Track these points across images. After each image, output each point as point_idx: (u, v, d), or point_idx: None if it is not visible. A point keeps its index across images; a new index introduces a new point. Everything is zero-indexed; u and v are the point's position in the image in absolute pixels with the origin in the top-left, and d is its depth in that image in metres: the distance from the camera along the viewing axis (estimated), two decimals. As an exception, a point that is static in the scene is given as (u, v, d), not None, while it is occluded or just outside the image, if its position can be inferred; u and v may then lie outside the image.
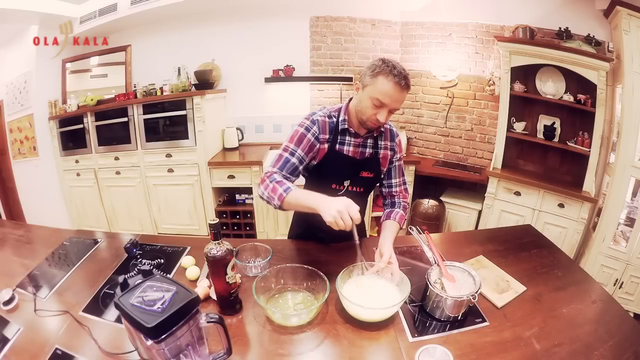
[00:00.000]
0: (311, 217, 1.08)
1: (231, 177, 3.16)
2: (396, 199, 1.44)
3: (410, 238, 1.41)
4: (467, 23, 3.04)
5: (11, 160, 3.56)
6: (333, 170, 1.30)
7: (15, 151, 3.52)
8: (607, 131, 2.57)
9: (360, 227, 1.59)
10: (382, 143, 1.35)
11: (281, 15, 3.28)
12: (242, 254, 1.26)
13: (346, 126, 1.26)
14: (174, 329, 0.71)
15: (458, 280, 1.07)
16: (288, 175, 1.20)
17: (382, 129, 1.33)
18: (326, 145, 1.27)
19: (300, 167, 1.23)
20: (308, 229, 1.45)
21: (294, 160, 1.21)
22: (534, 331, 0.98)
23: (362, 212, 1.16)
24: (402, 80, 1.13)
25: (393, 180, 1.42)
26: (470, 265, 1.15)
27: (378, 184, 1.45)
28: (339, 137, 1.28)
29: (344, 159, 1.29)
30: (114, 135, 3.24)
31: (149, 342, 0.70)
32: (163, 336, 0.69)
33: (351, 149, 1.30)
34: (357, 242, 1.07)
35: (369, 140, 1.33)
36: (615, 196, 2.43)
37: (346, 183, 1.32)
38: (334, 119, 1.28)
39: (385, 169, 1.39)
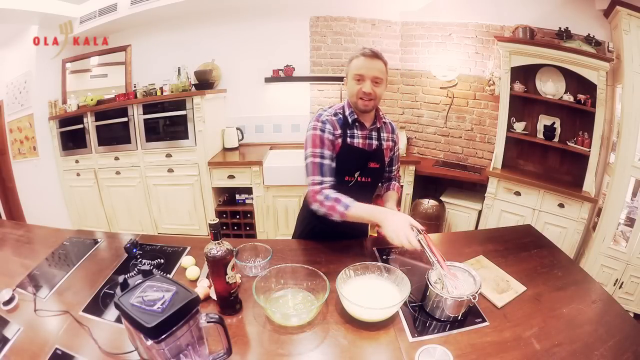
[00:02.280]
0: (318, 216, 1.21)
1: (231, 177, 3.16)
2: (391, 178, 1.63)
3: (410, 238, 1.41)
4: (467, 23, 3.04)
5: (11, 160, 3.56)
6: (346, 163, 1.36)
7: (15, 151, 3.52)
8: (607, 131, 2.57)
9: (361, 226, 1.61)
10: (385, 135, 1.46)
11: (281, 16, 3.28)
12: (242, 254, 1.26)
13: (356, 116, 1.35)
14: (174, 329, 0.71)
15: (459, 280, 1.07)
16: (331, 180, 1.29)
17: (385, 121, 1.45)
18: (340, 140, 1.35)
19: (334, 166, 1.32)
20: (314, 228, 1.49)
21: (327, 162, 1.30)
22: (534, 331, 0.98)
23: (369, 199, 1.34)
24: (368, 50, 1.26)
25: (393, 167, 1.60)
26: (470, 265, 1.15)
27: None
28: (348, 131, 1.36)
29: (355, 151, 1.37)
30: (114, 135, 3.24)
31: (149, 342, 0.70)
32: (163, 336, 0.69)
33: (360, 141, 1.38)
34: (432, 260, 1.11)
35: (373, 133, 1.42)
36: (615, 196, 2.43)
37: (357, 174, 1.39)
38: (340, 116, 1.36)
39: (387, 160, 1.50)
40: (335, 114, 1.36)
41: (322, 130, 1.30)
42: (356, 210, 1.21)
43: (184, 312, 0.73)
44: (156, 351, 0.71)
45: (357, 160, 1.39)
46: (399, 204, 1.56)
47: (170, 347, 0.72)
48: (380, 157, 1.44)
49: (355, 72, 1.28)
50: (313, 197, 1.27)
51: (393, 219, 1.12)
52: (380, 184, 1.61)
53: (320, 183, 1.28)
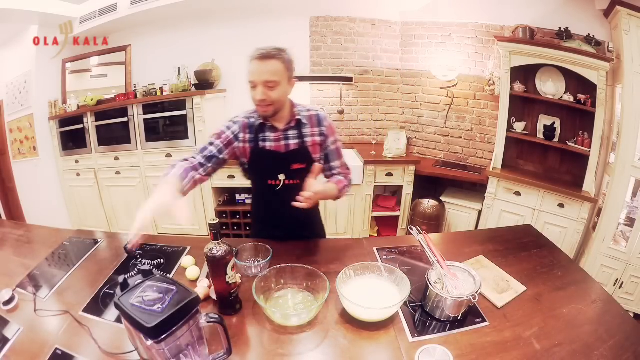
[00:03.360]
0: (267, 217, 1.26)
1: (231, 177, 3.16)
2: (340, 175, 1.45)
3: (410, 238, 1.41)
4: (467, 23, 3.04)
5: (11, 160, 3.56)
6: (262, 167, 1.36)
7: (15, 151, 3.52)
8: (607, 131, 2.57)
9: (318, 226, 1.61)
10: (308, 131, 1.36)
11: (281, 15, 3.28)
12: (242, 254, 1.26)
13: (261, 120, 1.31)
14: (173, 329, 0.71)
15: (459, 280, 1.07)
16: (204, 162, 1.29)
17: (299, 117, 1.33)
18: (248, 145, 1.33)
19: (220, 156, 1.31)
20: (264, 229, 1.49)
21: (211, 148, 1.30)
22: (534, 331, 0.98)
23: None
24: (259, 52, 1.18)
25: (332, 164, 1.44)
26: (470, 265, 1.15)
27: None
28: (260, 135, 1.33)
29: (267, 154, 1.34)
30: (114, 135, 3.25)
31: (149, 342, 0.70)
32: (163, 336, 0.70)
33: (273, 144, 1.33)
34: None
35: (290, 132, 1.34)
36: (615, 196, 2.43)
37: (281, 177, 1.35)
38: (253, 119, 1.33)
39: (318, 156, 1.39)
40: (249, 117, 1.33)
41: (228, 128, 1.33)
42: (164, 180, 1.19)
43: (184, 312, 0.73)
44: (156, 351, 0.72)
45: (274, 163, 1.34)
46: (335, 199, 1.39)
47: (170, 347, 0.72)
48: (305, 156, 1.35)
49: (248, 79, 1.21)
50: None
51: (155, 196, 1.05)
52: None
53: (188, 158, 1.30)
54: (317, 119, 1.37)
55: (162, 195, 1.06)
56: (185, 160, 1.29)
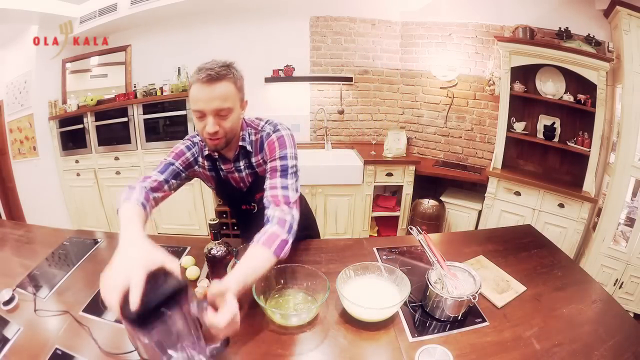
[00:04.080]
0: (251, 235, 0.97)
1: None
2: (269, 210, 1.05)
3: (410, 238, 1.41)
4: (467, 23, 3.04)
5: (11, 160, 3.56)
6: (231, 198, 1.26)
7: (15, 151, 3.52)
8: (607, 131, 2.57)
9: (312, 229, 1.53)
10: (255, 160, 1.18)
11: (281, 15, 3.27)
12: (242, 254, 1.25)
13: (207, 152, 1.16)
14: (158, 315, 0.67)
15: (459, 280, 1.07)
16: (169, 179, 1.12)
17: (243, 144, 1.14)
18: (209, 173, 1.21)
19: (183, 175, 1.17)
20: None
21: (175, 166, 1.14)
22: (534, 331, 0.98)
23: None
24: (203, 74, 0.97)
25: (265, 185, 1.10)
26: (470, 265, 1.15)
27: None
28: (214, 164, 1.19)
29: (230, 187, 1.23)
30: (114, 135, 3.25)
31: (139, 334, 0.67)
32: (146, 323, 0.66)
33: (229, 174, 1.21)
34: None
35: (240, 163, 1.18)
36: (615, 196, 2.43)
37: (254, 204, 1.25)
38: (203, 146, 1.18)
39: None
40: (201, 141, 1.16)
41: (188, 148, 1.17)
42: (121, 212, 0.93)
43: (170, 298, 0.68)
44: (148, 340, 0.68)
45: (238, 195, 1.24)
46: (266, 271, 0.98)
47: (162, 336, 0.69)
48: (263, 184, 1.13)
49: (193, 107, 1.01)
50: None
51: (114, 265, 0.70)
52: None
53: (148, 178, 1.09)
54: (260, 144, 1.16)
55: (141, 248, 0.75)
56: (146, 179, 1.09)
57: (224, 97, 1.00)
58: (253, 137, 1.16)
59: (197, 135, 1.18)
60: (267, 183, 1.09)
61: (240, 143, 1.14)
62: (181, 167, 1.16)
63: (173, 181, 1.14)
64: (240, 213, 1.30)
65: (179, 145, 1.19)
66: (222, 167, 1.19)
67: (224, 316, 0.74)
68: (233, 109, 1.03)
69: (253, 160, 1.18)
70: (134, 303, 0.63)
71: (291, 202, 1.05)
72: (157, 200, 1.08)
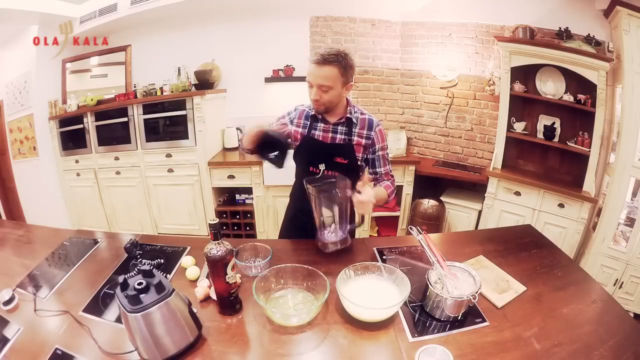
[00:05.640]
0: (300, 204, 1.36)
1: (231, 177, 3.16)
2: (384, 180, 1.51)
3: (410, 238, 1.41)
4: (467, 23, 3.04)
5: (11, 160, 3.56)
6: (307, 153, 1.46)
7: (15, 151, 3.52)
8: (607, 131, 2.57)
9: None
10: (356, 131, 1.43)
11: (281, 15, 3.27)
12: (242, 254, 1.26)
13: (312, 112, 1.43)
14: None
15: (459, 280, 1.07)
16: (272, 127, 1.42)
17: (350, 116, 1.41)
18: (300, 130, 1.46)
19: (284, 129, 1.43)
20: (296, 217, 1.57)
21: (276, 123, 1.51)
22: (534, 331, 0.98)
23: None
24: (317, 57, 1.26)
25: (378, 169, 1.50)
26: (470, 265, 1.15)
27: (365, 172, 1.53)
28: (313, 123, 1.45)
29: (314, 142, 1.44)
30: (114, 135, 3.24)
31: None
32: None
33: (321, 133, 1.44)
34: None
35: (339, 127, 1.43)
36: (615, 196, 2.43)
37: (322, 167, 1.42)
38: (310, 110, 1.46)
39: (360, 156, 1.44)
40: (309, 107, 1.46)
41: (288, 114, 1.52)
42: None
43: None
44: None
45: (318, 151, 1.43)
46: (385, 203, 1.46)
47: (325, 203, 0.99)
48: (349, 153, 1.42)
49: (307, 79, 1.33)
50: None
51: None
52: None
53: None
54: (369, 123, 1.44)
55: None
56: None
57: (326, 77, 1.27)
58: (359, 115, 1.44)
59: (304, 104, 1.50)
60: (383, 169, 1.49)
61: (348, 115, 1.41)
62: (277, 124, 1.47)
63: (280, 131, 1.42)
64: (305, 175, 1.42)
65: (283, 111, 1.54)
66: (320, 126, 1.44)
67: (368, 191, 1.21)
68: (333, 87, 1.29)
69: (355, 129, 1.42)
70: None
71: (394, 179, 1.54)
72: None
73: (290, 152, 1.39)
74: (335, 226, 1.27)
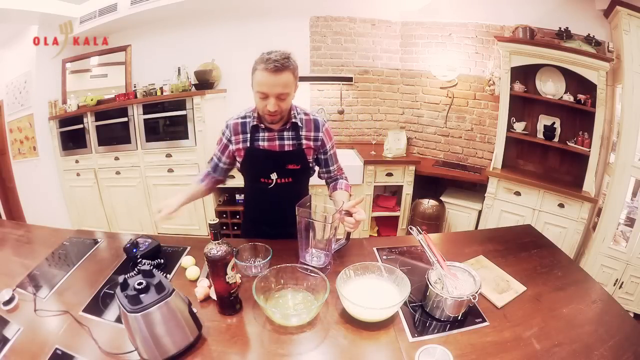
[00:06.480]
0: (258, 215, 1.42)
1: (231, 177, 3.11)
2: (337, 177, 1.53)
3: (410, 238, 1.41)
4: (467, 23, 3.04)
5: (11, 160, 3.56)
6: (255, 166, 1.39)
7: (15, 151, 3.52)
8: (607, 131, 2.57)
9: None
10: (303, 134, 1.38)
11: (281, 15, 3.27)
12: (242, 254, 1.26)
13: (255, 123, 1.34)
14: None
15: (459, 280, 1.07)
16: (210, 172, 1.49)
17: (295, 121, 1.35)
18: (242, 145, 1.37)
19: (220, 164, 1.45)
20: (254, 228, 1.54)
21: (221, 165, 1.46)
22: (534, 331, 0.98)
23: (301, 198, 1.24)
24: (271, 64, 1.15)
25: (331, 167, 1.50)
26: (470, 265, 1.15)
27: (319, 174, 1.54)
28: (255, 134, 1.36)
29: (261, 153, 1.36)
30: (114, 135, 3.24)
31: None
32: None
33: (266, 143, 1.36)
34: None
35: (285, 133, 1.36)
36: (615, 196, 2.43)
37: (273, 176, 1.38)
38: (249, 119, 1.36)
39: (311, 158, 1.42)
40: (245, 117, 1.37)
41: (223, 134, 1.41)
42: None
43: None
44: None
45: (266, 162, 1.36)
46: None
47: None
48: (300, 158, 1.38)
49: (257, 89, 1.21)
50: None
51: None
52: (328, 186, 1.56)
53: (209, 173, 1.50)
54: (314, 124, 1.39)
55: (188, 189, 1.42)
56: (206, 173, 1.52)
57: (285, 84, 1.19)
58: (303, 117, 1.38)
59: (232, 117, 1.40)
60: (334, 166, 1.50)
61: (293, 120, 1.35)
62: (219, 154, 1.44)
63: (214, 174, 1.49)
64: (257, 187, 1.42)
65: (220, 136, 1.43)
66: (264, 135, 1.36)
67: (361, 210, 1.22)
68: (289, 93, 1.24)
69: (302, 133, 1.38)
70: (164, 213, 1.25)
71: (343, 171, 1.56)
72: (213, 180, 1.52)
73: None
74: (318, 251, 1.26)
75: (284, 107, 1.25)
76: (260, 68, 1.17)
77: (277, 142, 1.36)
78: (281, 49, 1.24)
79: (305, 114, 1.40)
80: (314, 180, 1.53)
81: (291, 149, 1.37)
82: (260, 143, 1.36)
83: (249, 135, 1.35)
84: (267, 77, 1.17)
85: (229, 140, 1.39)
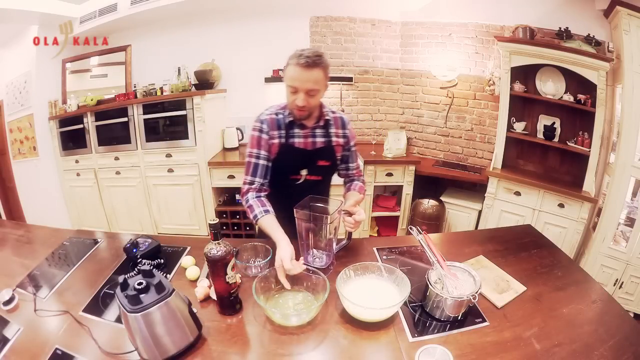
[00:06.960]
0: (283, 212, 1.27)
1: (231, 177, 3.16)
2: (354, 178, 1.55)
3: (410, 238, 1.41)
4: (467, 23, 3.04)
5: (11, 160, 3.56)
6: (287, 162, 1.38)
7: (15, 151, 3.52)
8: (607, 131, 2.57)
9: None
10: (334, 131, 1.42)
11: (281, 15, 3.28)
12: (242, 254, 1.26)
13: (291, 118, 1.34)
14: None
15: (459, 280, 1.07)
16: (262, 181, 1.36)
17: (328, 118, 1.39)
18: (277, 140, 1.36)
19: (267, 164, 1.37)
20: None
21: (261, 162, 1.35)
22: (534, 331, 0.98)
23: (326, 196, 1.33)
24: (303, 59, 1.17)
25: (350, 165, 1.52)
26: (470, 265, 1.15)
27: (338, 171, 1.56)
28: (289, 131, 1.36)
29: (295, 150, 1.37)
30: (114, 135, 3.24)
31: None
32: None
33: (301, 140, 1.38)
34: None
35: (317, 130, 1.39)
36: (615, 196, 2.43)
37: (303, 172, 1.39)
38: (282, 115, 1.36)
39: (339, 156, 1.46)
40: (277, 114, 1.37)
41: (260, 131, 1.35)
42: (262, 223, 1.27)
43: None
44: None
45: (299, 159, 1.38)
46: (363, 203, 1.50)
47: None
48: (330, 155, 1.42)
49: (288, 84, 1.24)
50: (242, 195, 1.38)
51: (280, 248, 1.13)
52: (343, 185, 1.58)
53: (251, 183, 1.36)
54: (342, 122, 1.44)
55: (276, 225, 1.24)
56: (249, 190, 1.35)
57: (315, 81, 1.21)
58: (332, 115, 1.42)
59: (264, 113, 1.39)
60: (354, 164, 1.53)
61: (326, 117, 1.38)
62: (266, 153, 1.35)
63: (265, 181, 1.37)
64: (285, 183, 1.40)
65: (253, 134, 1.36)
66: (299, 132, 1.37)
67: (361, 211, 1.28)
68: (320, 90, 1.25)
69: (332, 130, 1.41)
70: (288, 268, 1.07)
71: (362, 172, 1.59)
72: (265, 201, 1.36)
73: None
74: (320, 252, 1.27)
75: (313, 104, 1.27)
76: (293, 63, 1.20)
77: (310, 140, 1.39)
78: (314, 48, 1.30)
79: (333, 112, 1.44)
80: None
81: (323, 145, 1.40)
82: (296, 140, 1.37)
83: (284, 132, 1.36)
84: (299, 72, 1.19)
85: (269, 135, 1.35)
